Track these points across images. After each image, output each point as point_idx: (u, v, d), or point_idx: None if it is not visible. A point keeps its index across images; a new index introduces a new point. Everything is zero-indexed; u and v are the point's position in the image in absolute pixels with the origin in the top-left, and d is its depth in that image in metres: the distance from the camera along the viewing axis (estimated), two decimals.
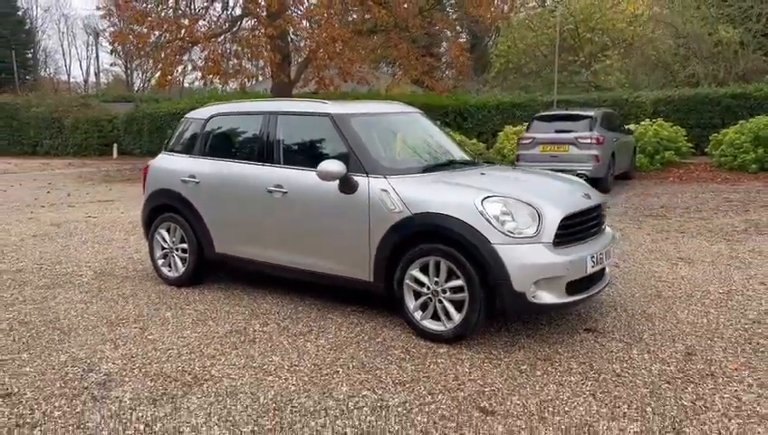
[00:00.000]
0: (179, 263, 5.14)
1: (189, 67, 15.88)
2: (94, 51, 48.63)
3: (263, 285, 5.06)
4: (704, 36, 21.09)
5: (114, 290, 5.10)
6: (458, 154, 4.75)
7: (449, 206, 3.71)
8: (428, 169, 4.25)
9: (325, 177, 4.01)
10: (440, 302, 3.78)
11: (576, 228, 3.85)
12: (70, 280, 5.44)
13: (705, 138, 15.29)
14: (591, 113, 11.86)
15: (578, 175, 10.97)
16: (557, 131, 11.65)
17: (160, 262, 5.28)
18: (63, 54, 61.99)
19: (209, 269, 5.22)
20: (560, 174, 4.71)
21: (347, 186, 4.07)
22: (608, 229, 4.32)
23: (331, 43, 15.13)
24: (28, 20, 46.00)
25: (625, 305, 4.49)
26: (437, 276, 3.77)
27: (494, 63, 25.19)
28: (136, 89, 46.63)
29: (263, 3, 14.42)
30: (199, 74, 15.35)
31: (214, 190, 4.85)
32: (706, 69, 20.45)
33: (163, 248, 5.26)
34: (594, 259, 3.87)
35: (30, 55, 45.27)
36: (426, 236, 3.81)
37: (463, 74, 19.95)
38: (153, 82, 16.45)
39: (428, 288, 3.82)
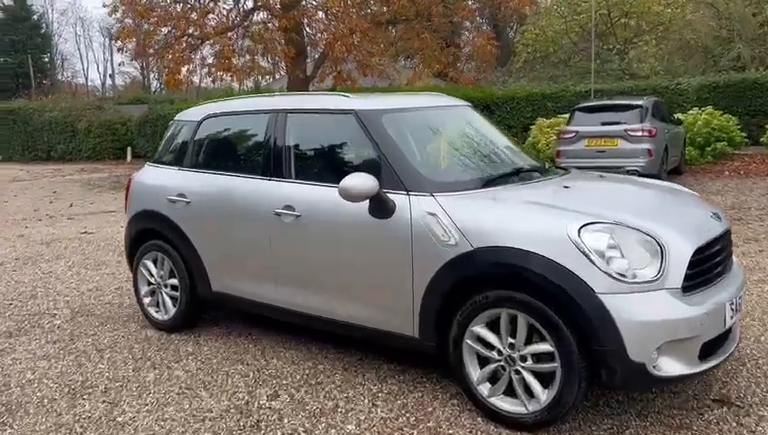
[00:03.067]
0: (169, 302, 4.10)
1: (199, 65, 14.88)
2: (109, 53, 48.14)
3: (272, 329, 4.00)
4: (747, 16, 19.61)
5: (89, 338, 4.08)
6: (524, 159, 3.62)
7: (529, 237, 2.60)
8: (490, 182, 3.13)
9: (350, 195, 2.92)
10: (518, 373, 2.68)
11: (709, 264, 2.72)
12: (39, 323, 4.43)
13: (756, 126, 13.96)
14: (641, 102, 10.62)
15: (628, 172, 9.83)
16: (603, 124, 10.44)
17: (147, 300, 4.25)
18: (81, 58, 61.84)
19: (206, 309, 4.17)
20: (664, 183, 3.57)
21: (380, 207, 2.98)
22: (734, 261, 3.17)
23: (349, 35, 14.05)
24: (44, 24, 45.60)
25: (755, 358, 3.34)
26: (513, 337, 2.67)
27: (519, 53, 23.85)
28: (153, 90, 46.06)
29: None
30: (207, 71, 14.33)
31: (207, 213, 3.79)
32: (753, 51, 18.97)
33: (149, 284, 4.22)
34: (734, 306, 2.74)
35: (47, 59, 44.85)
36: (495, 279, 2.71)
37: (488, 64, 18.71)
38: (162, 81, 15.45)
39: (500, 352, 2.72)
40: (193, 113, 4.21)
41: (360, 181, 2.89)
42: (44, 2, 47.94)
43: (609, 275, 2.47)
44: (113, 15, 14.76)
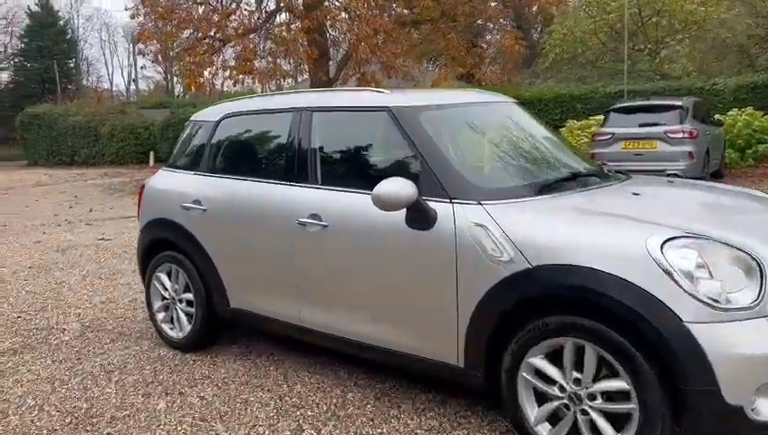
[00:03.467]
0: (184, 319, 3.77)
1: (220, 67, 14.65)
2: (133, 58, 48.50)
3: (296, 348, 3.64)
4: None
5: (98, 358, 3.75)
6: (580, 162, 3.21)
7: (601, 254, 2.19)
8: (546, 189, 2.72)
9: (385, 203, 2.55)
10: (584, 413, 2.27)
11: None
12: (47, 339, 4.13)
13: None
14: (681, 103, 10.10)
15: (668, 176, 9.33)
16: (641, 125, 9.94)
17: (160, 316, 3.92)
18: (105, 63, 62.45)
19: (224, 326, 3.82)
20: (738, 188, 3.14)
21: (419, 217, 2.60)
22: None
23: (373, 36, 13.71)
24: (70, 30, 46.08)
25: None
26: (580, 371, 2.27)
27: (546, 54, 23.30)
28: (176, 95, 46.29)
29: None
30: (229, 74, 14.09)
31: (225, 221, 3.45)
32: None
33: (163, 298, 3.89)
34: None
35: (72, 65, 45.31)
36: (558, 303, 2.31)
37: (515, 65, 18.25)
38: (183, 84, 15.27)
39: (563, 389, 2.32)
40: (210, 113, 3.87)
41: (397, 187, 2.51)
42: (70, 8, 48.45)
43: (699, 300, 2.06)
44: (135, 18, 14.63)
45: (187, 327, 3.74)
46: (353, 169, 3.12)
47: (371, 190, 2.63)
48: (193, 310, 3.69)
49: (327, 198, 2.99)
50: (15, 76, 42.66)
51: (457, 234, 2.52)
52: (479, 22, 19.74)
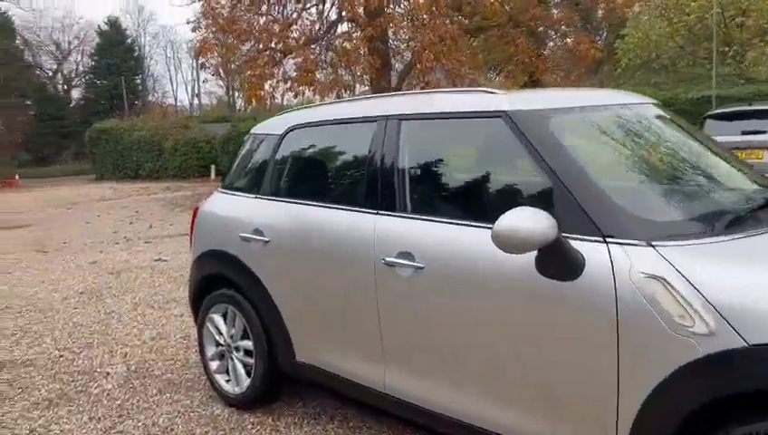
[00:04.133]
0: (241, 371, 3.14)
1: (281, 80, 14.29)
2: (196, 74, 49.57)
3: (376, 411, 2.94)
4: None
5: (142, 415, 3.17)
6: (759, 180, 2.40)
7: None
8: (736, 223, 1.94)
9: (511, 242, 1.82)
10: None
11: None
12: (87, 387, 3.58)
13: None
14: None
15: None
16: (744, 133, 8.86)
17: (214, 365, 3.31)
18: (170, 79, 64.21)
19: (288, 381, 3.17)
20: None
21: (558, 262, 1.87)
22: None
23: (438, 43, 13.05)
24: (137, 47, 47.51)
25: None
26: None
27: (619, 59, 22.04)
28: (237, 109, 46.98)
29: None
30: (288, 86, 13.69)
31: (291, 256, 2.80)
32: None
33: (218, 344, 3.28)
34: None
35: (139, 81, 46.66)
36: None
37: (587, 70, 17.21)
38: (244, 97, 15.00)
39: None
40: (273, 125, 3.26)
41: (529, 222, 1.79)
42: (137, 26, 49.98)
43: None
44: (197, 31, 14.48)
45: (246, 381, 3.11)
46: (457, 195, 2.41)
47: (483, 222, 1.96)
48: (252, 361, 3.06)
49: (423, 231, 2.30)
50: (86, 93, 44.23)
51: (618, 288, 1.77)
52: (541, 28, 18.82)
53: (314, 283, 2.71)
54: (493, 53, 18.97)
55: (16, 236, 10.56)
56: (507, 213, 1.83)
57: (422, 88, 14.50)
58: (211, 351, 3.32)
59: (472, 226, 2.13)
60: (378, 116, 2.62)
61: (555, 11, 20.88)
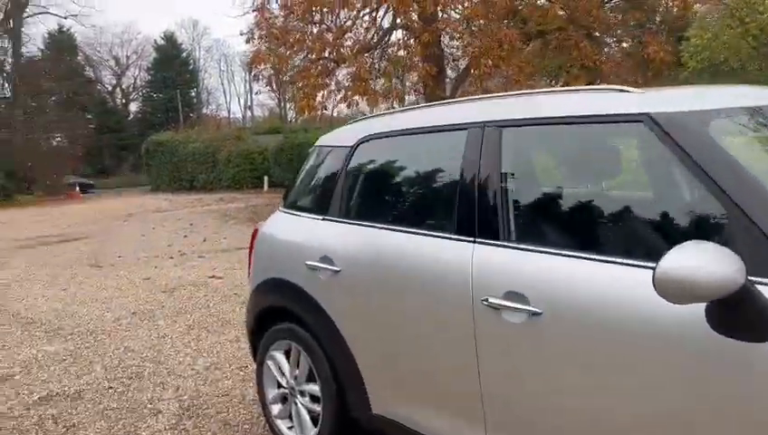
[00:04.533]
0: (306, 419, 2.73)
1: (334, 89, 14.04)
2: (249, 86, 50.27)
3: None
4: None
5: None
6: None
7: None
8: None
9: (683, 290, 1.34)
10: None
11: None
12: (136, 428, 3.24)
13: None
14: None
15: None
16: None
17: (275, 410, 2.92)
18: (224, 92, 65.43)
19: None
20: None
21: (745, 316, 1.37)
22: None
23: (497, 48, 12.54)
24: (191, 61, 48.61)
25: None
26: None
27: (686, 62, 20.96)
28: (288, 120, 47.42)
29: (415, 5, 12.20)
30: (341, 96, 13.41)
31: (366, 290, 2.38)
32: None
33: (279, 386, 2.89)
34: None
35: (193, 94, 47.66)
36: None
37: (656, 74, 16.33)
38: (296, 109, 14.82)
39: None
40: (342, 136, 2.86)
41: (710, 262, 1.31)
42: (192, 40, 51.17)
43: None
44: (250, 42, 14.39)
45: (311, 431, 2.70)
46: (585, 221, 1.93)
47: (622, 257, 1.48)
48: (319, 408, 2.65)
49: (539, 267, 1.83)
50: (143, 106, 45.49)
51: None
52: (596, 33, 18.03)
53: (394, 322, 2.28)
54: (547, 58, 18.25)
55: (73, 248, 10.58)
56: (675, 250, 1.35)
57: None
58: (272, 393, 2.93)
59: (609, 262, 1.65)
60: (471, 123, 2.18)
61: (612, 14, 20.04)
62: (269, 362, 2.91)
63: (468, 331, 1.98)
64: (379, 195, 2.56)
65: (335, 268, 2.48)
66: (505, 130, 2.06)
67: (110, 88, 46.88)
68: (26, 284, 7.44)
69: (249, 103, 51.86)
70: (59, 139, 35.80)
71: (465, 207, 2.10)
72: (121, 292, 6.67)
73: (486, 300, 1.91)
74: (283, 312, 2.80)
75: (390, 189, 2.56)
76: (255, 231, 3.16)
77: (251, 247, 3.12)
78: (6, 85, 33.05)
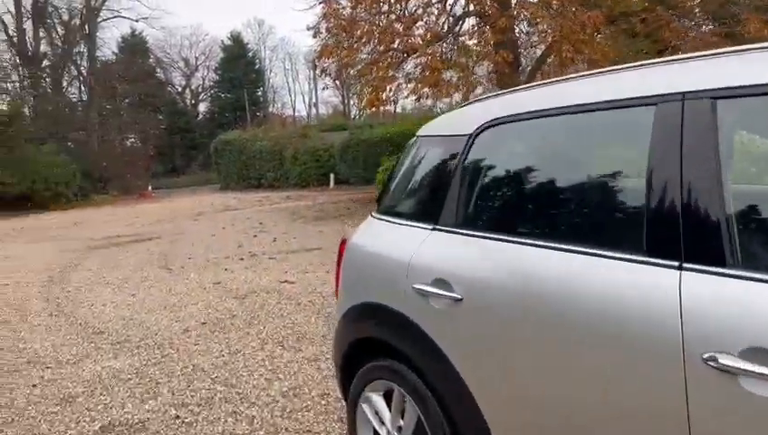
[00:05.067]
0: None
1: (403, 81, 13.45)
2: (314, 84, 50.45)
3: None
4: None
5: None
6: None
7: None
8: None
9: None
10: None
11: None
12: None
13: None
14: None
15: None
16: None
17: None
18: (288, 90, 66.03)
19: None
20: None
21: None
22: None
23: (580, 31, 11.62)
24: (257, 60, 49.17)
25: None
26: None
27: None
28: (353, 116, 47.28)
29: None
30: (411, 88, 12.80)
31: (505, 329, 1.76)
32: None
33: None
34: None
35: (260, 93, 48.20)
36: None
37: None
38: (363, 104, 14.31)
39: None
40: (456, 123, 2.25)
41: None
42: (258, 40, 51.76)
43: None
44: (317, 36, 14.00)
45: None
46: None
47: None
48: None
49: None
50: (212, 106, 46.37)
51: None
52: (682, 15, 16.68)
53: (550, 373, 1.65)
54: (637, 41, 17.02)
55: (144, 249, 10.46)
56: None
57: None
58: None
59: None
60: (660, 95, 1.53)
61: None
62: (364, 406, 2.34)
63: (677, 397, 1.34)
64: (515, 199, 1.93)
65: (455, 295, 1.88)
66: (722, 103, 1.40)
67: (179, 89, 48.05)
68: (97, 288, 7.24)
69: (314, 101, 52.08)
70: (132, 139, 36.95)
71: (659, 219, 1.46)
72: (191, 298, 6.32)
73: (713, 359, 1.26)
74: (381, 346, 2.22)
75: (534, 192, 1.92)
76: (343, 242, 2.60)
77: (338, 262, 2.56)
78: (83, 88, 34.25)
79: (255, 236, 11.15)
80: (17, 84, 31.52)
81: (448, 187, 2.09)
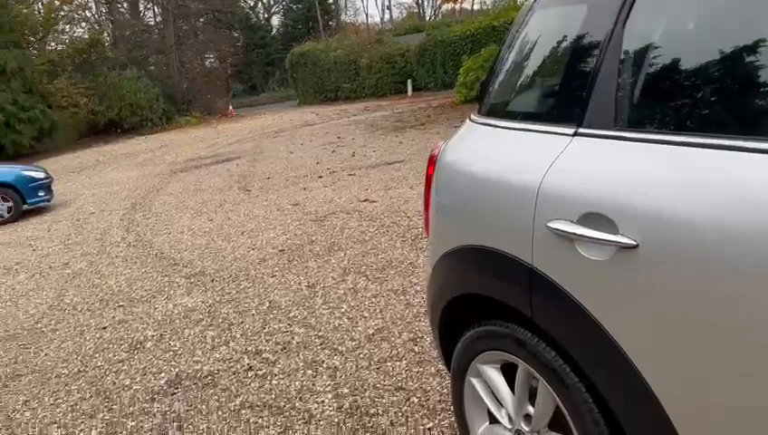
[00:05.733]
0: None
1: None
2: None
3: None
4: None
5: None
6: None
7: None
8: None
9: None
10: None
11: None
12: None
13: None
14: None
15: None
16: None
17: None
18: None
19: None
20: None
21: None
22: None
23: None
24: None
25: None
26: None
27: None
28: (428, 17, 44.92)
29: None
30: None
31: (725, 298, 1.05)
32: None
33: (493, 420, 1.72)
34: None
35: (331, 1, 46.51)
36: None
37: None
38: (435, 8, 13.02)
39: None
40: None
41: None
42: None
43: None
44: None
45: None
46: None
47: None
48: None
49: None
50: (284, 19, 45.37)
51: None
52: None
53: None
54: None
55: (224, 170, 10.21)
56: None
57: None
58: (480, 427, 1.77)
59: None
60: None
61: None
62: (474, 381, 1.73)
63: None
64: (725, 74, 1.15)
65: (624, 240, 1.17)
66: None
67: (251, 2, 47.14)
68: (176, 214, 7.00)
69: (387, 3, 49.80)
70: (210, 59, 36.91)
71: None
72: (268, 222, 5.91)
73: None
74: (496, 306, 1.57)
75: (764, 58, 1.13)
76: (433, 158, 1.91)
77: (427, 187, 1.89)
78: (156, 11, 34.14)
79: (334, 151, 10.61)
80: (95, 12, 31.80)
81: (600, 64, 1.33)
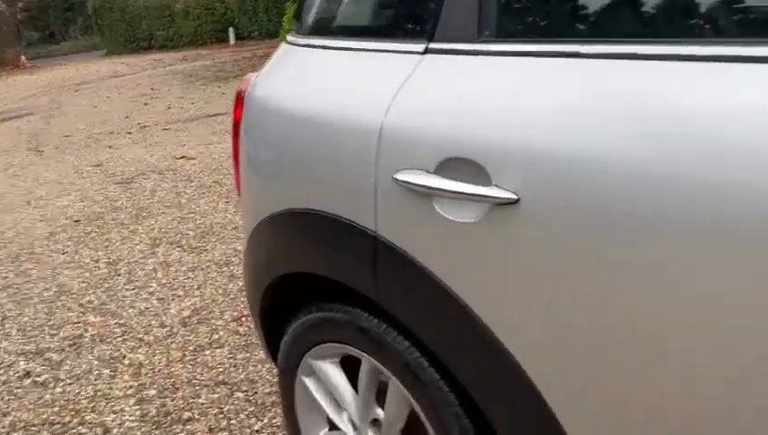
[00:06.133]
0: None
1: None
2: None
3: None
4: None
5: None
6: None
7: None
8: None
9: None
10: None
11: None
12: None
13: None
14: None
15: None
16: None
17: None
18: None
19: None
20: None
21: None
22: None
23: None
24: None
25: None
26: None
27: None
28: None
29: None
30: None
31: (598, 247, 0.76)
32: None
33: (333, 426, 1.37)
34: None
35: None
36: None
37: None
38: None
39: None
40: None
41: None
42: None
43: None
44: None
45: None
46: None
47: None
48: None
49: None
50: None
51: None
52: None
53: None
54: None
55: (12, 129, 8.68)
56: None
57: None
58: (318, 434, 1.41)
59: None
60: None
61: None
62: (307, 381, 1.36)
63: None
64: None
65: (501, 193, 0.84)
66: None
67: None
68: None
69: None
70: None
71: None
72: (63, 187, 5.00)
73: None
74: (329, 287, 1.20)
75: None
76: (240, 96, 1.46)
77: (235, 134, 1.44)
78: None
79: (146, 104, 9.50)
80: None
81: None
